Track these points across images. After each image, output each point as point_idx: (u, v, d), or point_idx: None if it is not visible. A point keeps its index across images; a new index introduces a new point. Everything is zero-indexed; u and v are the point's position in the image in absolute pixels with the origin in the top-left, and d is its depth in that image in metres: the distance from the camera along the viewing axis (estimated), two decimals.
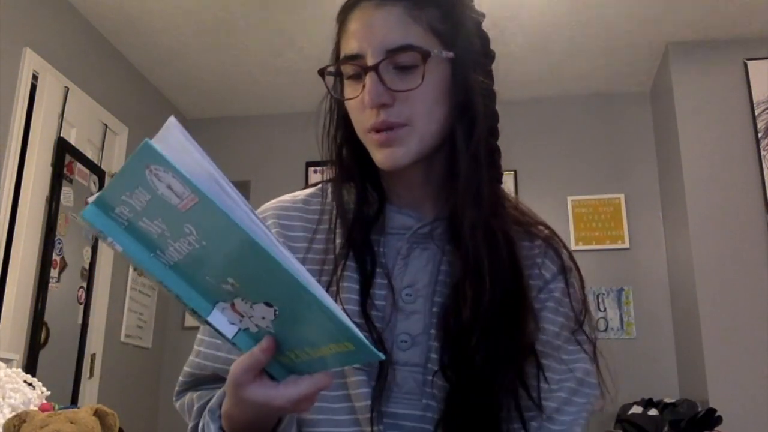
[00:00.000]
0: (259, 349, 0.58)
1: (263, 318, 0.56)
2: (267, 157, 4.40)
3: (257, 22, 3.51)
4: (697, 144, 3.57)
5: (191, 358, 0.86)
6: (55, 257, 3.12)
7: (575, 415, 0.79)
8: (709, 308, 3.33)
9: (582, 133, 4.20)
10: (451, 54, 0.78)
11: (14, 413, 1.43)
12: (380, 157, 0.79)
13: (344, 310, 0.70)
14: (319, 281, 0.78)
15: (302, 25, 3.49)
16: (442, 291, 0.80)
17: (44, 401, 1.62)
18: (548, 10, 3.39)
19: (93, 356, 3.44)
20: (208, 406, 0.75)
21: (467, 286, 0.76)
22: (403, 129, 0.77)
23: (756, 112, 3.52)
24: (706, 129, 3.58)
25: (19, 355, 2.85)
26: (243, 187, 4.38)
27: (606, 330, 3.88)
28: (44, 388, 1.69)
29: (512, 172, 4.07)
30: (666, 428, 3.03)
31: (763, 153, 3.48)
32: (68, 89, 3.29)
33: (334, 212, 0.85)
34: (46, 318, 3.03)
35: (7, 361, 2.41)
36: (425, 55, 0.75)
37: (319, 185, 0.92)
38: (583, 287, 0.85)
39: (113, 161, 3.72)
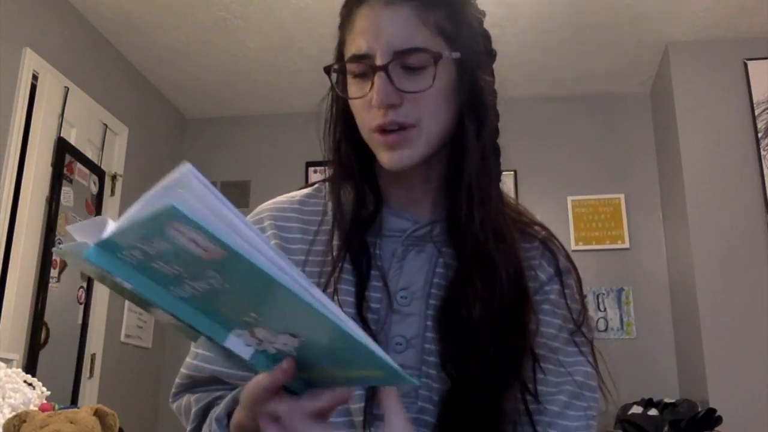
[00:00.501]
0: (280, 370, 0.56)
1: (285, 344, 0.55)
2: (267, 157, 4.40)
3: (257, 22, 3.51)
4: (697, 144, 3.57)
5: (188, 360, 0.85)
6: (55, 257, 3.12)
7: (579, 421, 0.78)
8: (709, 308, 3.33)
9: (582, 133, 4.20)
10: (457, 54, 0.78)
11: (14, 413, 1.43)
12: (386, 158, 0.79)
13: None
14: (318, 283, 0.79)
15: (302, 25, 3.49)
16: (437, 293, 0.80)
17: (44, 401, 1.62)
18: (548, 10, 3.39)
19: (93, 356, 3.44)
20: (215, 415, 0.74)
21: (478, 283, 0.76)
22: (411, 130, 0.77)
23: (756, 112, 3.52)
24: (706, 129, 3.58)
25: (19, 355, 2.85)
26: (243, 187, 4.38)
27: (606, 330, 3.88)
28: (44, 388, 1.69)
29: (512, 172, 4.07)
30: (666, 428, 3.02)
31: (763, 153, 3.48)
32: (68, 89, 3.29)
33: (332, 214, 0.85)
34: (46, 318, 3.03)
35: (7, 361, 2.41)
36: (437, 58, 0.76)
37: (316, 185, 0.92)
38: (581, 289, 0.85)
39: (113, 161, 3.73)
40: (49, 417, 1.36)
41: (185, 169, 0.45)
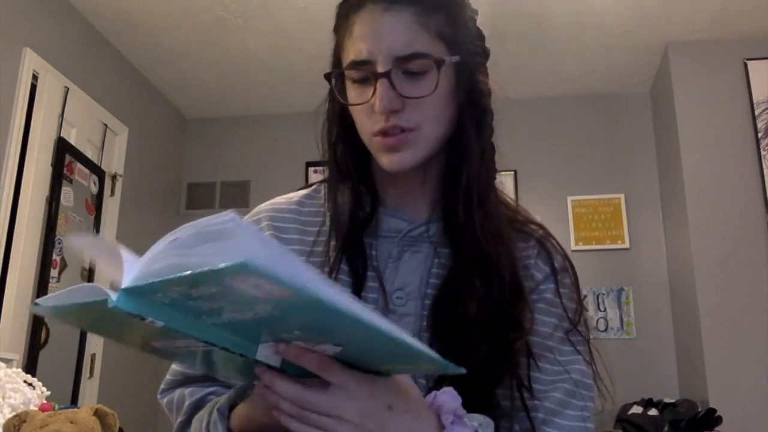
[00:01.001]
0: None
1: (325, 350, 0.56)
2: (267, 157, 4.40)
3: (257, 22, 3.51)
4: (697, 144, 3.57)
5: None
6: (55, 257, 3.12)
7: (575, 420, 0.78)
8: (709, 308, 3.33)
9: (582, 133, 4.20)
10: (456, 58, 0.79)
11: (14, 413, 1.43)
12: (387, 160, 0.79)
13: None
14: None
15: (302, 25, 3.49)
16: (433, 293, 0.81)
17: (44, 401, 1.62)
18: (548, 10, 3.39)
19: (93, 356, 3.44)
20: (217, 406, 0.75)
21: (476, 282, 0.76)
22: (411, 133, 0.78)
23: (756, 112, 3.52)
24: (706, 129, 3.58)
25: (19, 355, 2.86)
26: (243, 187, 4.38)
27: (606, 330, 3.88)
28: (44, 388, 1.69)
29: (512, 172, 4.07)
30: (666, 428, 3.02)
31: (763, 153, 3.48)
32: (68, 89, 3.29)
33: (329, 215, 0.86)
34: (46, 318, 3.03)
35: (7, 361, 2.41)
36: (439, 63, 0.76)
37: (314, 186, 0.92)
38: (578, 288, 0.85)
39: (113, 161, 3.73)
40: (49, 417, 1.36)
41: (235, 218, 0.44)
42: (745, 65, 3.58)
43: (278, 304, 0.47)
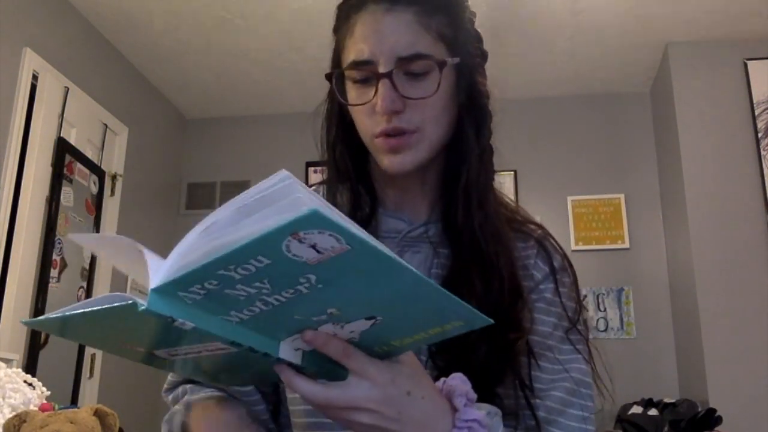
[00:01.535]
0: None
1: (352, 331, 0.56)
2: (267, 157, 4.40)
3: (257, 22, 3.51)
4: (697, 144, 3.57)
5: None
6: (55, 257, 3.12)
7: (576, 420, 0.78)
8: (709, 308, 3.33)
9: (582, 133, 4.20)
10: (457, 60, 0.79)
11: (14, 413, 1.43)
12: (388, 162, 0.79)
13: None
14: None
15: (302, 25, 3.49)
16: None
17: (44, 401, 1.62)
18: (548, 10, 3.39)
19: (93, 356, 3.44)
20: (187, 398, 0.76)
21: (476, 281, 0.76)
22: (413, 135, 0.78)
23: (756, 112, 3.52)
24: (706, 129, 3.58)
25: (19, 355, 2.86)
26: (243, 187, 4.26)
27: (606, 330, 3.88)
28: (44, 388, 1.69)
29: (512, 172, 4.07)
30: (666, 428, 3.02)
31: (763, 153, 3.48)
32: (68, 89, 3.29)
33: None
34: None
35: (7, 361, 2.41)
36: (441, 65, 0.76)
37: (313, 187, 0.92)
38: (577, 287, 0.85)
39: (113, 161, 3.73)
40: (49, 417, 1.36)
41: (285, 175, 0.44)
42: (745, 65, 3.58)
43: (330, 267, 0.46)
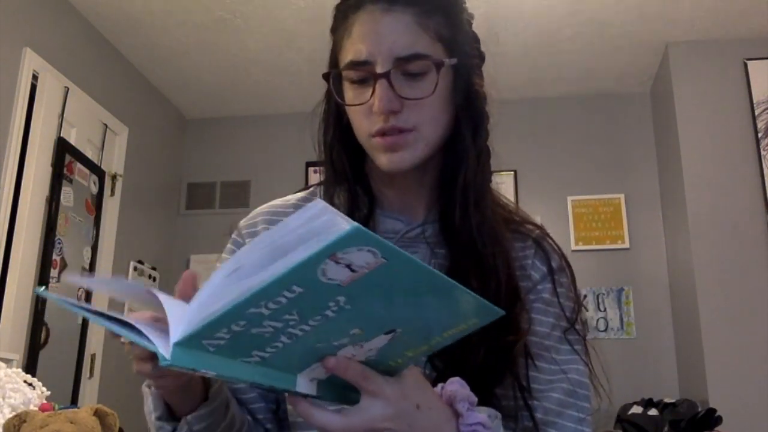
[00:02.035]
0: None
1: (370, 350, 0.56)
2: (267, 157, 4.40)
3: (257, 22, 3.51)
4: (697, 144, 3.57)
5: None
6: (55, 257, 3.12)
7: (574, 421, 0.78)
8: (709, 308, 3.33)
9: (582, 133, 4.20)
10: (455, 60, 0.79)
11: (14, 413, 1.43)
12: (385, 160, 0.79)
13: None
14: None
15: (302, 25, 3.49)
16: None
17: (44, 401, 1.62)
18: (548, 10, 3.39)
19: (93, 356, 3.44)
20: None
21: (473, 281, 0.76)
22: (409, 134, 0.78)
23: (756, 112, 3.52)
24: (706, 129, 3.58)
25: (19, 355, 2.85)
26: (243, 187, 4.38)
27: (606, 330, 3.88)
28: (44, 388, 1.69)
29: (512, 172, 4.07)
30: (666, 428, 3.02)
31: (763, 153, 3.48)
32: (68, 89, 3.29)
33: None
34: (46, 318, 3.03)
35: (7, 361, 2.41)
36: (438, 65, 0.76)
37: (312, 188, 0.92)
38: (575, 287, 0.85)
39: (113, 161, 3.73)
40: (49, 417, 1.36)
41: (322, 207, 0.46)
42: (745, 65, 3.58)
43: (360, 284, 0.47)
